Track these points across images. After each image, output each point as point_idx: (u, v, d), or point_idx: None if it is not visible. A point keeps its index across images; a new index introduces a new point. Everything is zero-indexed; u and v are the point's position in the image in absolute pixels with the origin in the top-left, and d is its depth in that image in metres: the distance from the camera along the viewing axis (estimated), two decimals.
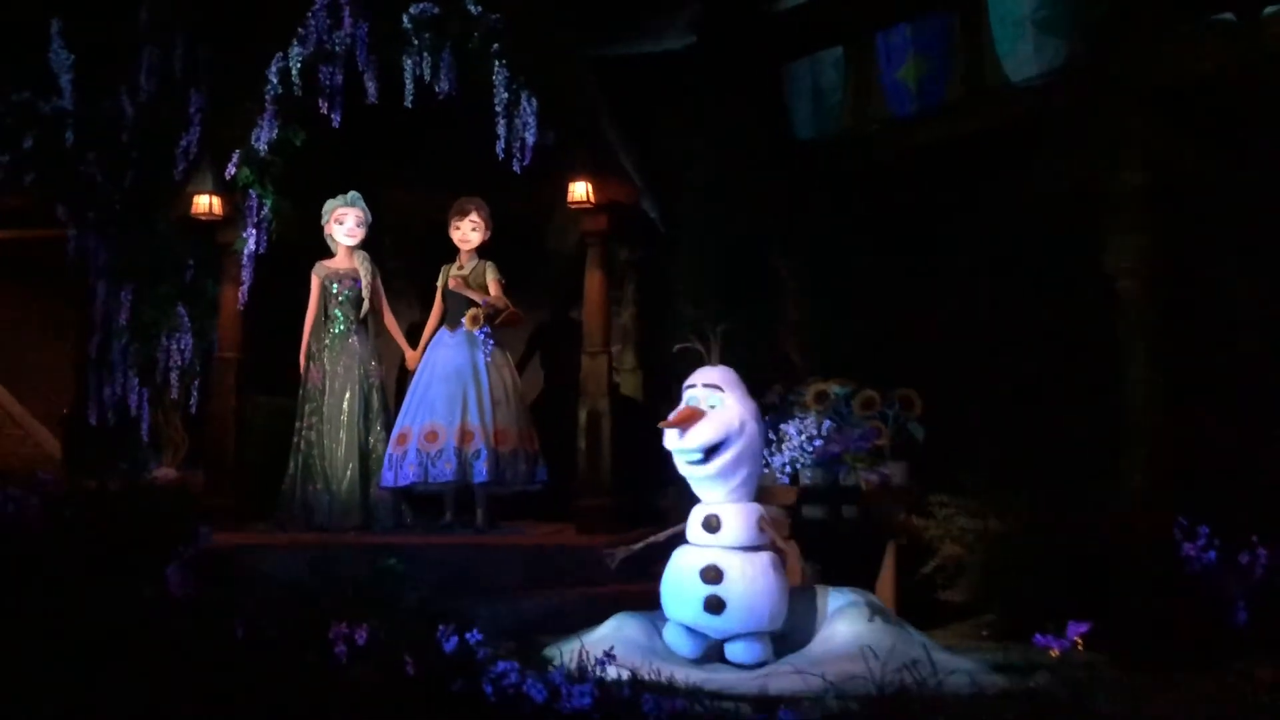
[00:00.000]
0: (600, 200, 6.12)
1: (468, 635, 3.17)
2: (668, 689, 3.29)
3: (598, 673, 3.56)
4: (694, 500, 5.77)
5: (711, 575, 3.99)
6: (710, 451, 3.97)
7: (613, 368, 6.40)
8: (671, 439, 3.99)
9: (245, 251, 6.42)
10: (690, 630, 4.06)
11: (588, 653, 3.79)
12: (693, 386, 4.13)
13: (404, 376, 7.03)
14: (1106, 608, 4.42)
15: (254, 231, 6.44)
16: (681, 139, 6.43)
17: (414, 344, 6.69)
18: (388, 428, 6.38)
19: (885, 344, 5.45)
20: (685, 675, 3.71)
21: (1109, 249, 4.61)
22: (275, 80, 6.20)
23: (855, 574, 4.69)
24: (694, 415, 3.95)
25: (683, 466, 4.07)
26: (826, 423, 4.93)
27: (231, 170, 6.33)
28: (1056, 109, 4.84)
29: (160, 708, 3.74)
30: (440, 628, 3.28)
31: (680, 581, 4.07)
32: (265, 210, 6.46)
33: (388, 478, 6.11)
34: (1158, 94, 4.68)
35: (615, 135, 6.23)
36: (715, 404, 4.02)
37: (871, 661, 3.77)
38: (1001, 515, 4.76)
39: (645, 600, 4.92)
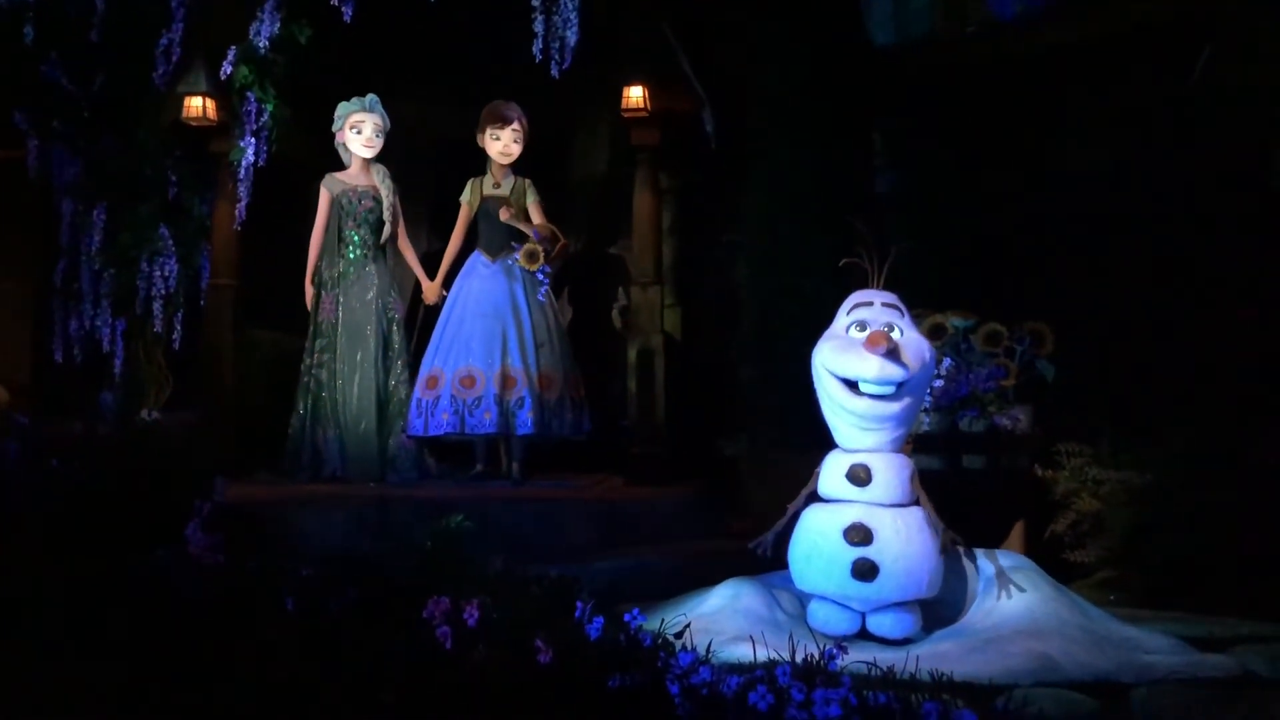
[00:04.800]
0: (657, 109, 5.42)
1: (628, 615, 2.50)
2: (908, 684, 2.64)
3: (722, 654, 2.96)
4: (778, 448, 5.19)
5: (858, 535, 3.34)
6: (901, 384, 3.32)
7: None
8: (871, 365, 3.28)
9: (243, 164, 5.61)
10: (840, 604, 3.41)
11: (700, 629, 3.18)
12: (868, 305, 3.45)
13: (413, 311, 6.30)
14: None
15: (253, 141, 5.64)
16: (741, 44, 5.70)
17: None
18: (409, 368, 5.64)
19: (990, 273, 4.81)
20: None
21: None
22: None
23: (976, 533, 4.09)
24: (888, 340, 3.28)
25: (851, 400, 3.37)
26: (946, 360, 4.31)
27: (228, 69, 5.51)
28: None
29: (195, 703, 3.04)
30: (579, 604, 2.60)
31: (818, 545, 3.41)
32: (265, 117, 5.66)
33: (416, 426, 5.36)
34: None
35: (673, 36, 5.50)
36: (898, 328, 3.37)
37: (1060, 640, 3.22)
38: (1145, 465, 4.17)
39: (727, 559, 4.37)
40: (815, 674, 2.30)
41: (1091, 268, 4.63)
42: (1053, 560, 4.33)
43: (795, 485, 4.40)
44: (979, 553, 3.70)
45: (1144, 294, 4.51)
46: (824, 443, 4.38)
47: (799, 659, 2.49)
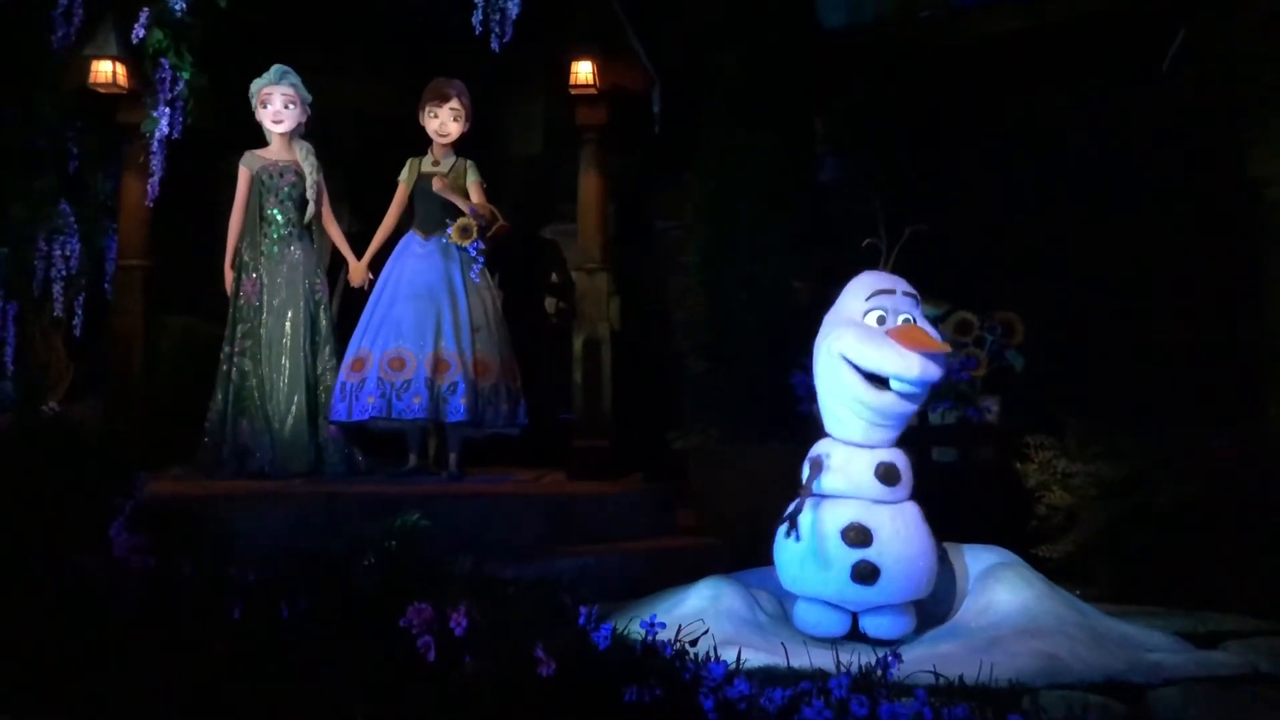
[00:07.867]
0: (605, 86, 5.18)
1: (644, 623, 2.26)
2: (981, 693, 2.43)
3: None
4: (731, 441, 4.96)
5: (857, 536, 3.14)
6: None
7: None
8: (912, 365, 3.03)
9: (156, 135, 5.19)
10: (831, 605, 3.22)
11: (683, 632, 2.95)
12: (889, 292, 3.19)
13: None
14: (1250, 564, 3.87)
15: (166, 111, 5.22)
16: (691, 24, 5.50)
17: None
18: (337, 354, 5.29)
19: (956, 260, 4.68)
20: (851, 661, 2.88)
21: (1254, 153, 3.96)
22: None
23: (946, 526, 3.96)
24: (927, 338, 3.05)
25: (873, 396, 3.12)
26: None
27: (139, 32, 5.08)
28: None
29: None
30: (582, 610, 2.36)
31: (814, 547, 3.20)
32: (181, 86, 5.24)
33: (339, 410, 5.00)
34: None
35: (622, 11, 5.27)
36: (916, 318, 3.17)
37: (1064, 639, 3.09)
38: (1115, 458, 4.09)
39: (688, 556, 4.21)
40: (874, 685, 2.10)
41: (1059, 257, 4.54)
42: (1020, 554, 4.23)
43: (748, 479, 4.19)
44: (965, 548, 3.57)
45: (1113, 283, 4.44)
46: (779, 435, 4.19)
47: (804, 663, 2.28)
